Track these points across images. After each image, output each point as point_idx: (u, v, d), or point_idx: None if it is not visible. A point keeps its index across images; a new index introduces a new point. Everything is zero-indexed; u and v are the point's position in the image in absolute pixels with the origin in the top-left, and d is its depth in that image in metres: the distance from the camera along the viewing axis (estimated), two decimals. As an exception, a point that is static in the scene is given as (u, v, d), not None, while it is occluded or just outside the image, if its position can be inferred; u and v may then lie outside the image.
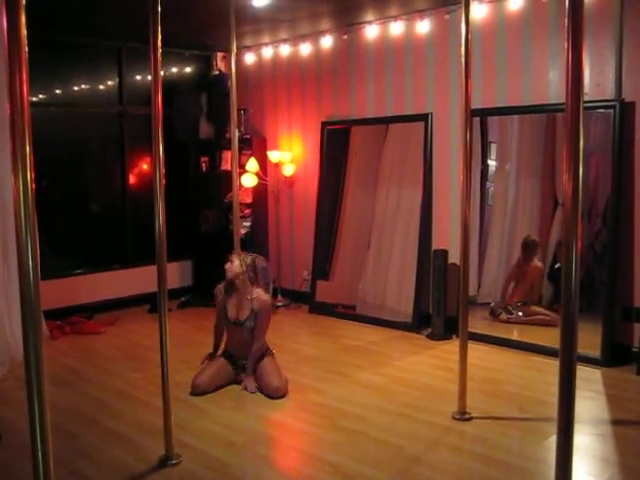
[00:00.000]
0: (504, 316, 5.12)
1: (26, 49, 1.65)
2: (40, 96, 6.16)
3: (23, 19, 1.65)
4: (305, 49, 6.27)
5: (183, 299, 6.70)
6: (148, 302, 6.30)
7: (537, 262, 5.04)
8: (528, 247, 5.07)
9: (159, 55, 2.96)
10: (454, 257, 5.16)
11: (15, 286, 4.37)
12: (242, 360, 4.18)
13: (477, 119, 5.01)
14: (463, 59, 3.44)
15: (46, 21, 5.37)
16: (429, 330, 5.36)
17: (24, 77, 1.64)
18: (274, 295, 6.39)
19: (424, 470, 3.02)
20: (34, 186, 1.70)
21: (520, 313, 5.08)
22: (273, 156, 6.50)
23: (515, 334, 5.02)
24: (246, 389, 4.08)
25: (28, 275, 1.71)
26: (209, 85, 6.97)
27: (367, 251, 5.99)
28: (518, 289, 5.14)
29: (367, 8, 5.29)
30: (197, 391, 4.04)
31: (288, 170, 6.50)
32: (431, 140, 5.47)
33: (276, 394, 3.98)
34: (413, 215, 5.63)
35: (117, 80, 6.57)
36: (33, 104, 5.89)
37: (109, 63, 6.52)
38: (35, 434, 1.77)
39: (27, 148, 1.66)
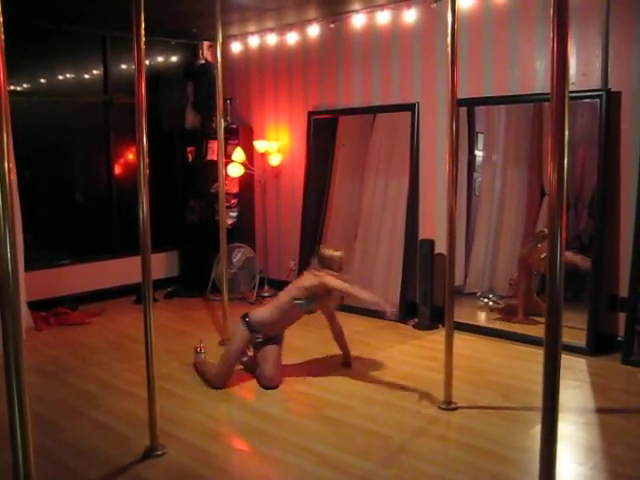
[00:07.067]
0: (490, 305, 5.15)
1: (2, 36, 1.62)
2: (24, 85, 6.08)
3: (-1, 6, 1.62)
4: (292, 38, 6.22)
5: (169, 289, 6.67)
6: (134, 293, 6.27)
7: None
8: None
9: (142, 43, 2.93)
10: (441, 247, 5.15)
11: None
12: (260, 334, 4.13)
13: (464, 109, 5.01)
14: (450, 48, 3.42)
15: (29, 8, 5.29)
16: (416, 320, 5.36)
17: (0, 64, 1.61)
18: (260, 285, 6.41)
19: (410, 459, 3.03)
20: (13, 176, 1.67)
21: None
22: (260, 146, 6.47)
23: (501, 324, 5.04)
24: None
25: (6, 264, 1.68)
26: (195, 74, 6.91)
27: (354, 241, 5.98)
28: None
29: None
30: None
31: (275, 160, 6.47)
32: (418, 130, 5.46)
33: (268, 384, 3.98)
34: (400, 205, 5.62)
35: (102, 69, 6.49)
36: (17, 93, 5.86)
37: (94, 51, 6.44)
38: (15, 425, 1.76)
39: (4, 136, 1.63)
